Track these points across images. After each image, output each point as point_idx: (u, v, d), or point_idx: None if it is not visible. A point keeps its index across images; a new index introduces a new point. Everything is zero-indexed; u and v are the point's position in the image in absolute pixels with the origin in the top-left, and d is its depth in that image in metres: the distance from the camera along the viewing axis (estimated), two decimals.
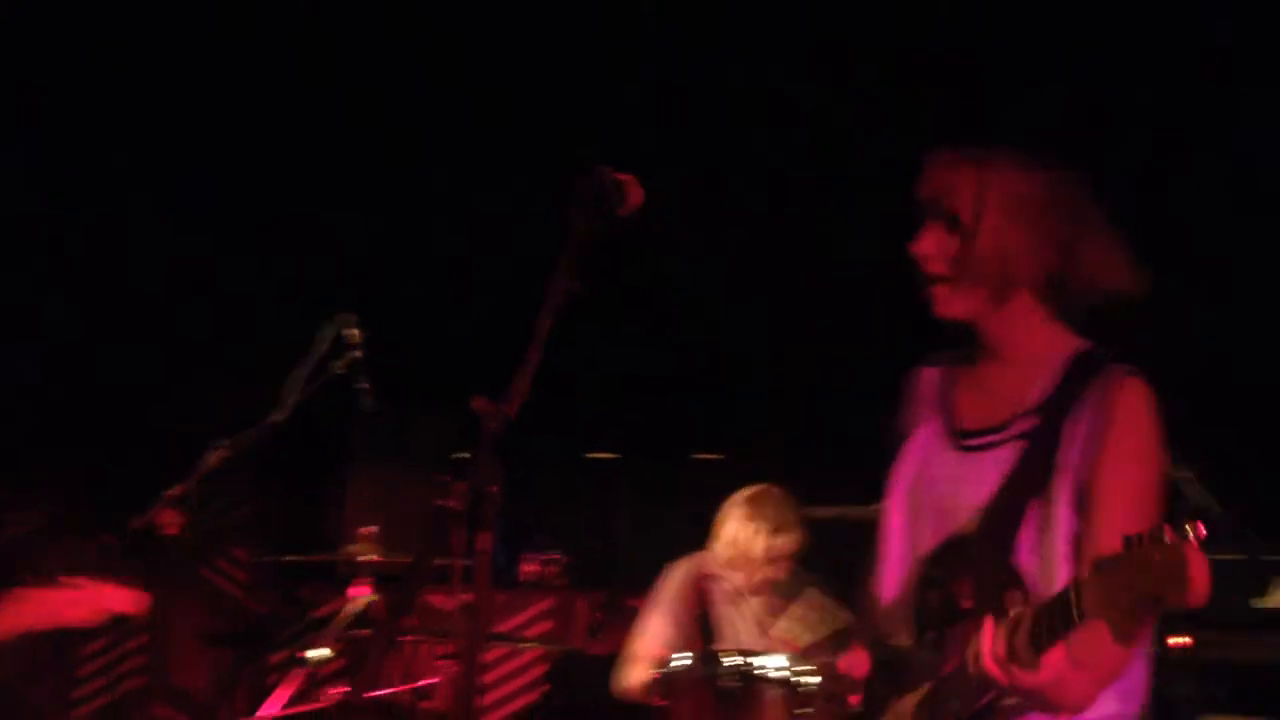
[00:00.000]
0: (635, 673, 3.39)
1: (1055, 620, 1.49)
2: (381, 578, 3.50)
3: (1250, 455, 3.70)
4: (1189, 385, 3.75)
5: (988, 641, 1.56)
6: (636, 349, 4.10)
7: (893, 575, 1.94)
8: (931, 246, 1.86)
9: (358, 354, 3.42)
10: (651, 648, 3.40)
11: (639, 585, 3.60)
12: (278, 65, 3.95)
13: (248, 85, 4.02)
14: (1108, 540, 1.60)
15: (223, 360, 4.19)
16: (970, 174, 1.84)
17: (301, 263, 4.21)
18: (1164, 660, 3.43)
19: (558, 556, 4.21)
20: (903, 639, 1.88)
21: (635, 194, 1.75)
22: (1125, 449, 1.76)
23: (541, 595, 4.16)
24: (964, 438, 1.89)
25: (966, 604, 1.74)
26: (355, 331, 3.43)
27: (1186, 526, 1.34)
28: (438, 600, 3.99)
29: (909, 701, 1.81)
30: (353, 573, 3.66)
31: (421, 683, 3.45)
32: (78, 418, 4.23)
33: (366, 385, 3.44)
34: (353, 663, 3.98)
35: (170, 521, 3.17)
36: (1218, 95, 3.76)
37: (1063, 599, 1.47)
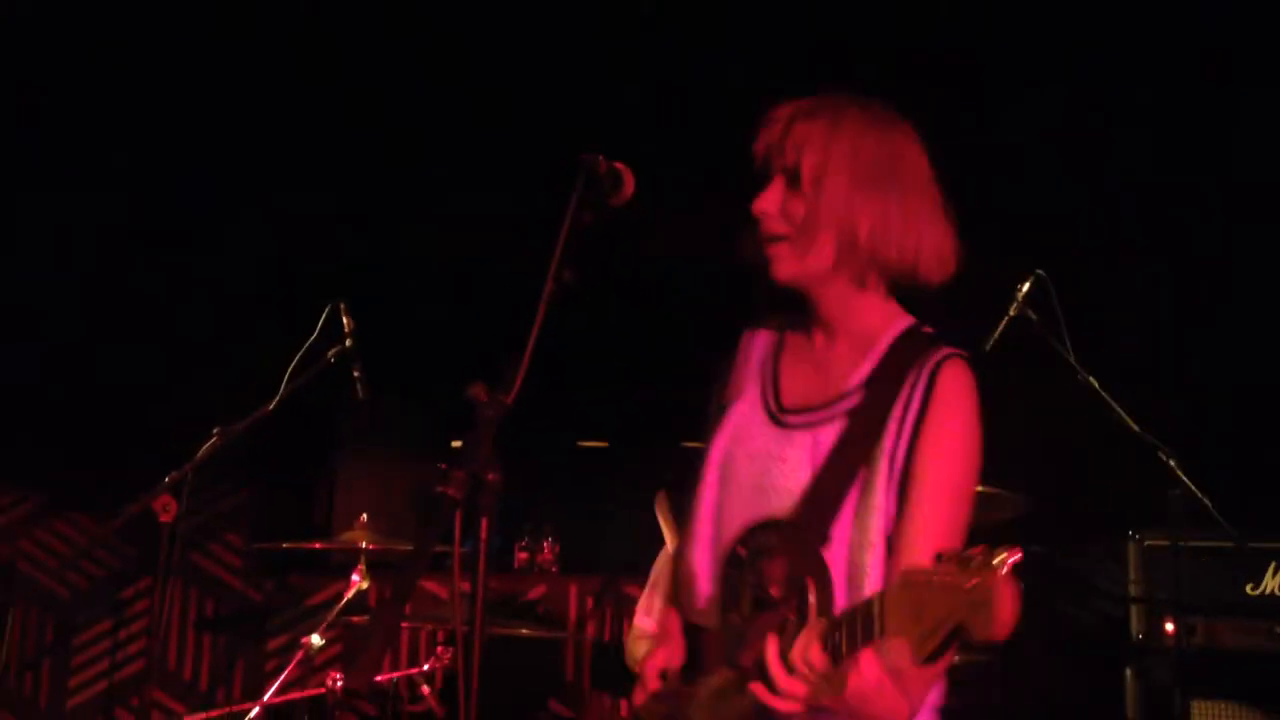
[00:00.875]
0: (640, 647, 3.42)
1: (857, 631, 1.42)
2: (375, 564, 3.52)
3: (1231, 439, 3.73)
4: (1168, 369, 3.82)
5: (798, 648, 1.48)
6: (627, 337, 4.11)
7: (702, 552, 1.80)
8: (773, 204, 1.74)
9: (349, 342, 3.44)
10: (651, 624, 3.42)
11: (634, 570, 3.62)
12: (269, 58, 3.95)
13: (239, 80, 4.02)
14: (919, 537, 1.62)
15: (215, 350, 4.20)
16: (819, 129, 1.73)
17: (290, 251, 4.21)
18: (1155, 647, 3.49)
19: (550, 543, 4.23)
20: (708, 619, 1.78)
21: (629, 183, 1.76)
22: (944, 436, 1.68)
23: (535, 581, 4.18)
24: (783, 413, 1.77)
25: (774, 591, 1.64)
26: (346, 320, 3.45)
27: (1000, 552, 1.25)
28: (434, 587, 4.02)
29: (704, 686, 1.73)
30: (347, 560, 3.68)
31: (418, 669, 3.47)
32: (74, 407, 4.24)
33: (358, 373, 3.46)
34: (349, 649, 4.01)
35: (165, 508, 3.18)
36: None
37: (866, 610, 1.41)
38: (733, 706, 1.62)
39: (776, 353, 1.86)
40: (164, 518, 3.17)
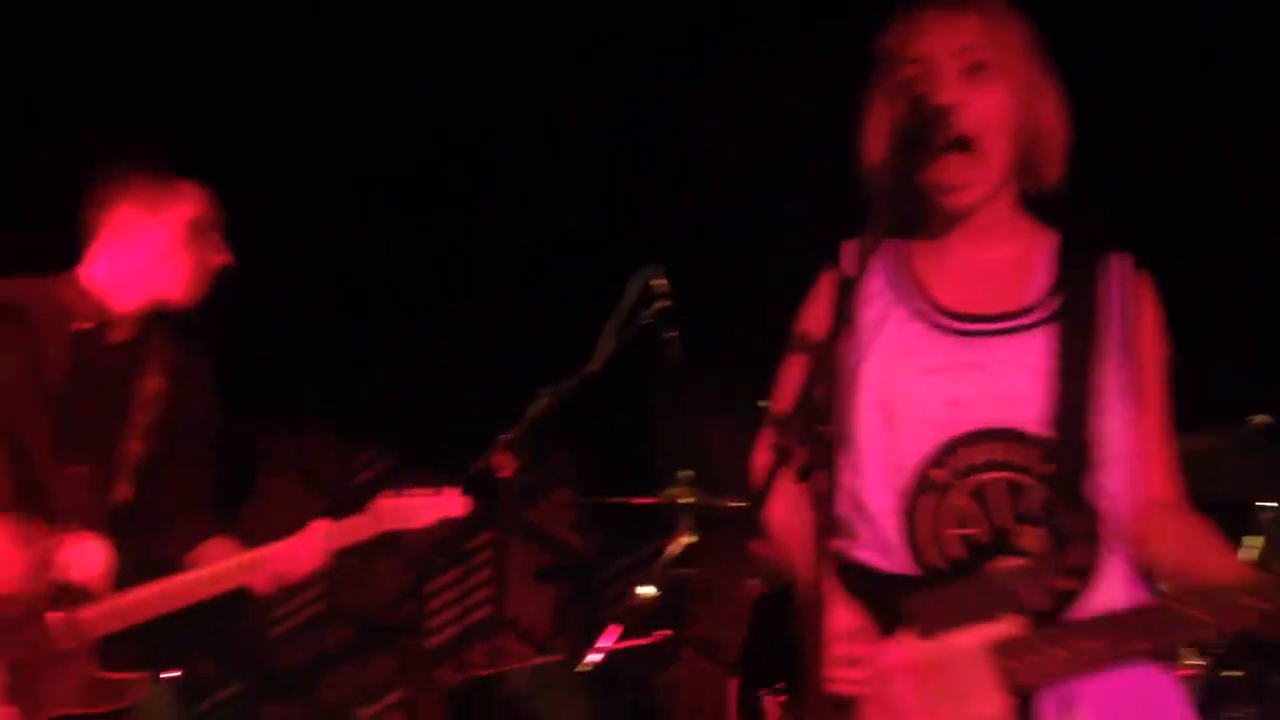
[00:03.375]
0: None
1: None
2: (699, 520, 3.61)
3: None
4: None
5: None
6: None
7: (875, 490, 1.65)
8: (955, 98, 1.60)
9: (665, 304, 3.52)
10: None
11: None
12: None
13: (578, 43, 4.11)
14: (1157, 441, 1.64)
15: (544, 314, 4.40)
16: (991, 22, 1.65)
17: (607, 217, 4.34)
18: None
19: None
20: (895, 559, 1.62)
21: (954, 125, 1.69)
22: (1157, 340, 1.67)
23: None
24: (962, 321, 1.66)
25: (1021, 510, 1.56)
26: (662, 282, 3.53)
27: None
28: (758, 545, 4.06)
29: (970, 637, 1.55)
30: (672, 516, 3.79)
31: (741, 625, 3.53)
32: (422, 370, 4.55)
33: (673, 335, 3.54)
34: (676, 602, 4.14)
35: (504, 465, 3.39)
36: None
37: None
38: (1042, 655, 1.52)
39: (905, 264, 1.74)
40: (502, 474, 3.39)
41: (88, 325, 2.60)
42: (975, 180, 1.66)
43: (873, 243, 1.54)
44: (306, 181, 4.30)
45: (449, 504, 2.78)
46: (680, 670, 3.45)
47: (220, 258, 2.73)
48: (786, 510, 1.68)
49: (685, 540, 3.59)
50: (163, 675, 3.51)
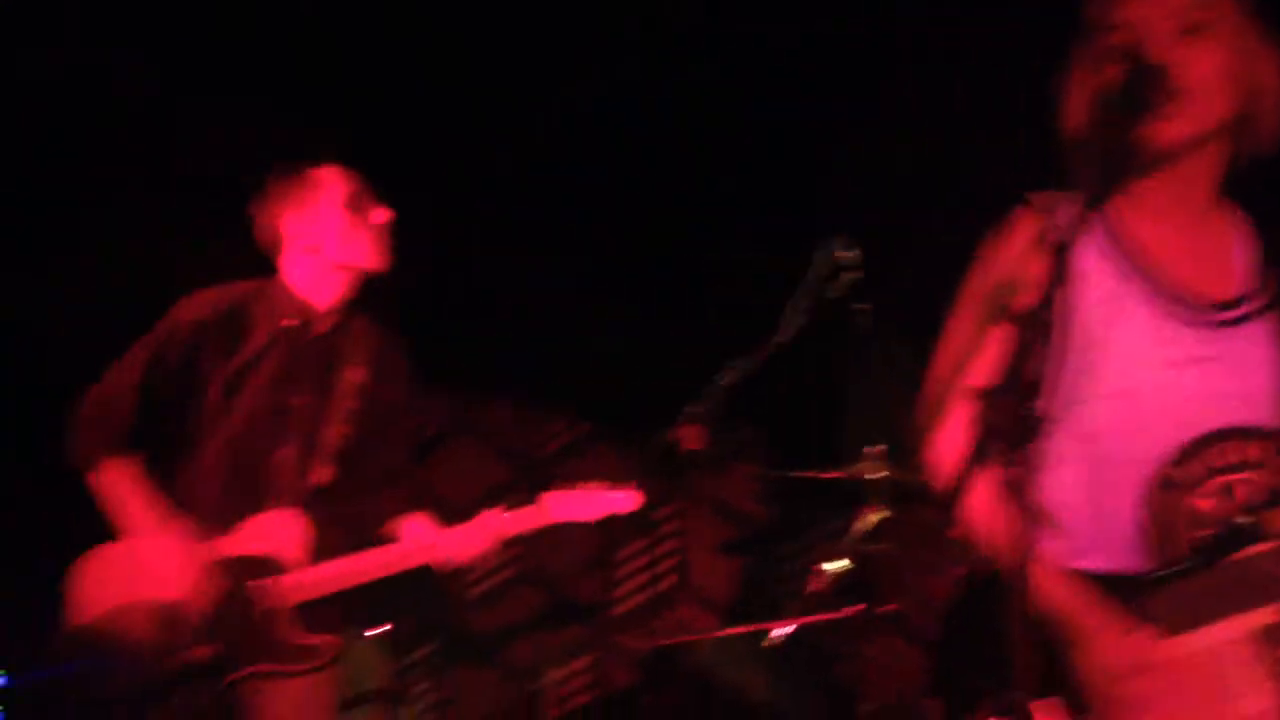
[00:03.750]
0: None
1: None
2: (888, 495, 3.54)
3: None
4: None
5: None
6: None
7: (1110, 485, 1.58)
8: (1198, 60, 1.57)
9: (854, 275, 3.45)
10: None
11: None
12: None
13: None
14: None
15: (730, 285, 4.38)
16: None
17: (801, 182, 4.27)
18: None
19: None
20: (1128, 559, 1.54)
21: (1171, 81, 1.60)
22: None
23: None
24: (1203, 310, 1.59)
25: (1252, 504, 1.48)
26: (852, 254, 3.46)
27: None
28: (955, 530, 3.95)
29: (1228, 630, 1.47)
30: (857, 489, 3.73)
31: (932, 598, 3.45)
32: (609, 340, 4.61)
33: (864, 307, 3.47)
34: (866, 578, 4.08)
35: (691, 437, 3.40)
36: None
37: None
38: None
39: (1120, 238, 1.65)
40: (689, 446, 3.40)
41: (293, 322, 2.83)
42: (1192, 137, 1.60)
43: (1084, 212, 1.47)
44: (483, 156, 4.39)
45: (620, 501, 2.84)
46: (871, 647, 3.39)
47: (384, 215, 2.89)
48: (990, 495, 1.61)
49: (876, 516, 3.53)
50: (370, 631, 3.71)
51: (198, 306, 2.83)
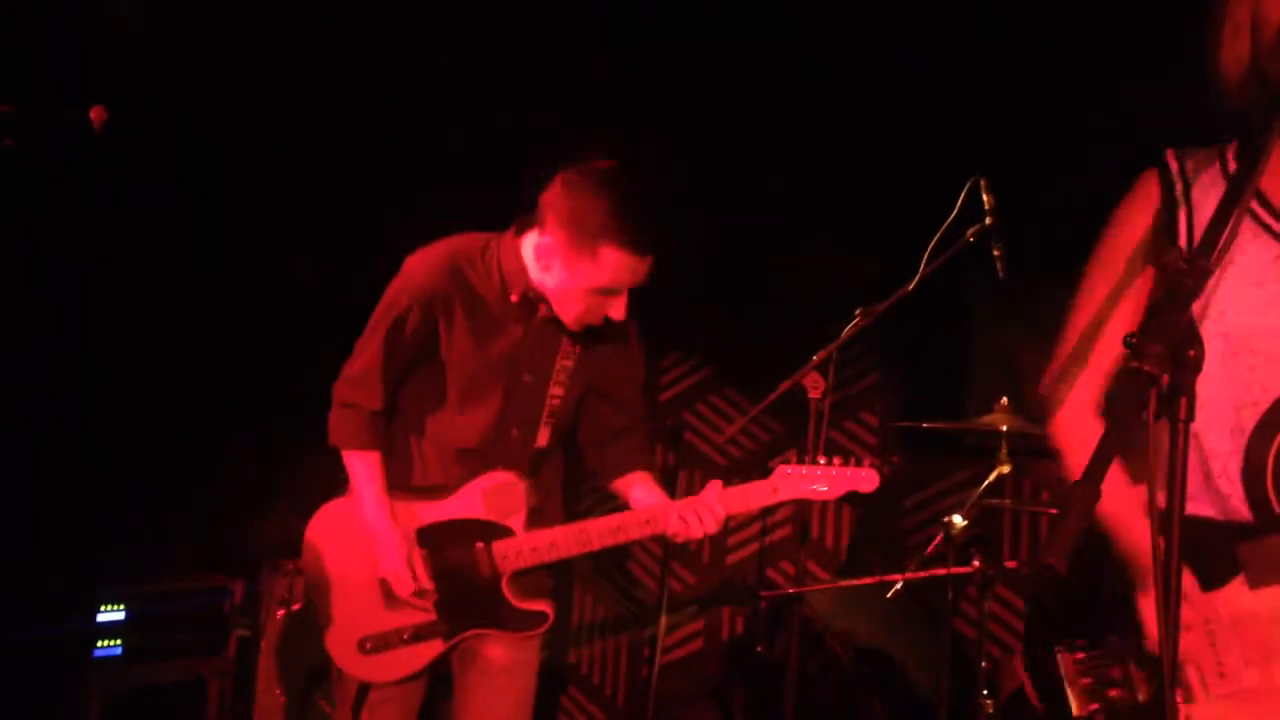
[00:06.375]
0: None
1: None
2: (1014, 449, 3.44)
3: None
4: None
5: None
6: None
7: (1212, 429, 1.53)
8: None
9: (989, 220, 3.33)
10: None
11: None
12: None
13: None
14: None
15: (854, 231, 4.29)
16: None
17: (931, 127, 4.14)
18: None
19: None
20: (1229, 509, 1.50)
21: None
22: None
23: None
24: None
25: None
26: (987, 197, 3.34)
27: None
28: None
29: None
30: (980, 442, 3.63)
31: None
32: (732, 285, 4.57)
33: (998, 251, 3.35)
34: (988, 533, 3.99)
35: (814, 385, 3.34)
36: None
37: None
38: None
39: (1246, 186, 1.55)
40: (813, 394, 3.34)
41: (517, 298, 2.69)
42: None
43: (1255, 154, 1.41)
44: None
45: (860, 480, 2.65)
46: (991, 604, 3.32)
47: (617, 315, 2.64)
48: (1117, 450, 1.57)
49: (1000, 469, 3.44)
50: None
51: (429, 269, 2.68)
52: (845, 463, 2.66)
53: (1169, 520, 1.34)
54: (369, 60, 4.40)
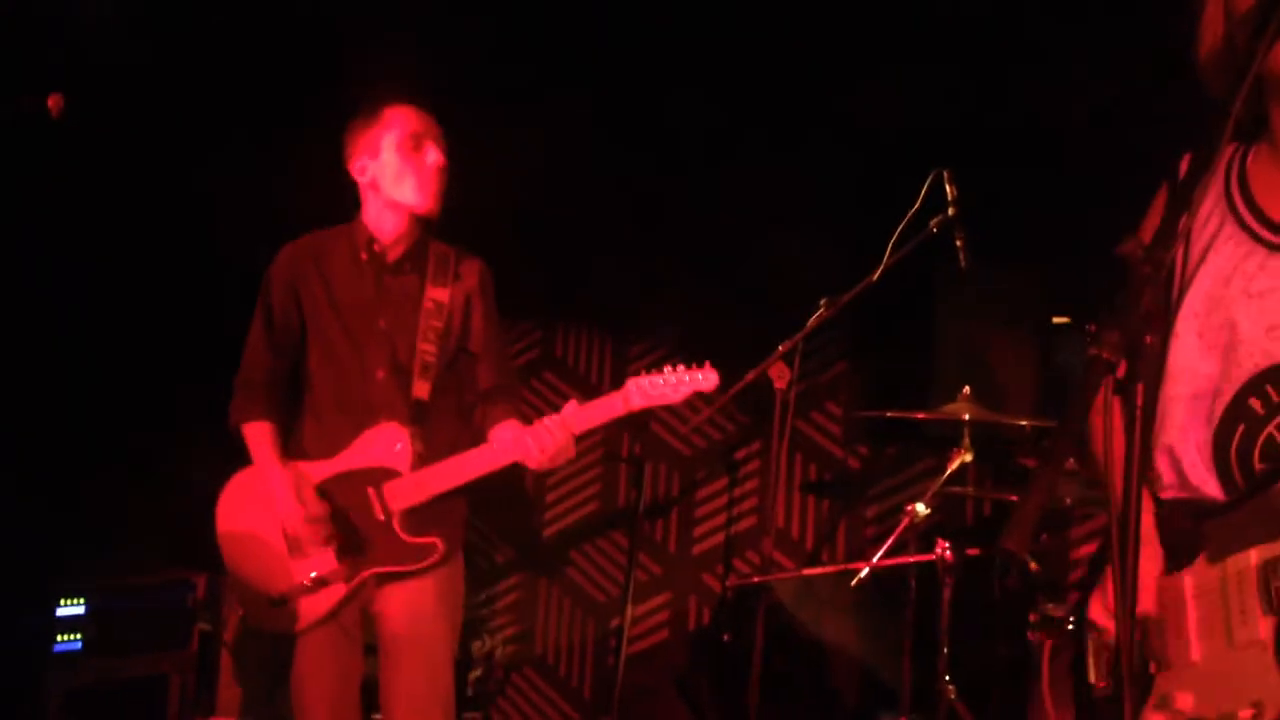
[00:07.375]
0: None
1: None
2: (976, 438, 3.48)
3: None
4: None
5: None
6: None
7: (1190, 415, 1.56)
8: None
9: (952, 210, 3.37)
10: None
11: None
12: None
13: None
14: None
15: (818, 222, 4.31)
16: None
17: (894, 121, 4.16)
18: None
19: None
20: (1202, 488, 1.54)
21: None
22: None
23: None
24: None
25: None
26: (949, 188, 3.37)
27: None
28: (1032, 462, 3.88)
29: (1250, 558, 1.47)
30: (944, 431, 3.66)
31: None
32: (699, 274, 4.57)
33: (960, 242, 3.38)
34: (949, 520, 4.03)
35: (779, 375, 3.37)
36: None
37: None
38: None
39: (1238, 174, 1.61)
40: (778, 384, 3.37)
41: (365, 255, 2.96)
42: None
43: (1209, 150, 1.41)
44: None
45: (700, 381, 2.81)
46: (954, 591, 3.35)
47: (437, 160, 2.92)
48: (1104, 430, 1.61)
49: (962, 458, 3.47)
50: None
51: (289, 254, 3.02)
52: (689, 367, 2.82)
53: (1126, 505, 1.35)
54: (335, 46, 4.37)
